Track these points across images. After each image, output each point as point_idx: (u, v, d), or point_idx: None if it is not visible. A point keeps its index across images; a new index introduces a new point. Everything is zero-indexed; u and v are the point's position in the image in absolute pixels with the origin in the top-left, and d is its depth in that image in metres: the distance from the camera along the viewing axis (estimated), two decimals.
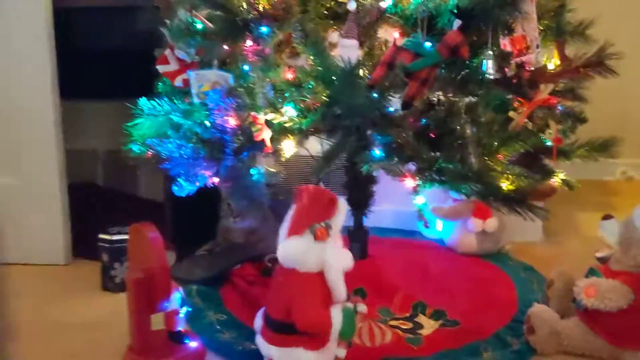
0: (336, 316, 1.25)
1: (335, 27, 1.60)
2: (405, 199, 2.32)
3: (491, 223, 2.11)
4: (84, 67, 2.25)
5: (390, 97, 1.38)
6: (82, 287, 1.92)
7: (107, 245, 1.88)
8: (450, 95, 1.51)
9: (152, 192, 2.52)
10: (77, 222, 2.15)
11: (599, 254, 1.58)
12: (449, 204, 2.18)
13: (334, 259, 1.25)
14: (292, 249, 1.26)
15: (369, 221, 1.97)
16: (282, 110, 1.37)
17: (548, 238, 2.36)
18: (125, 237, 1.85)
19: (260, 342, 1.34)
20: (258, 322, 1.37)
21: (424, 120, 1.52)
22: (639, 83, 3.23)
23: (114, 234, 1.89)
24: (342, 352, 1.30)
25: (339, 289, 1.26)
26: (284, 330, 1.28)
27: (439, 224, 2.23)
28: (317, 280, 1.26)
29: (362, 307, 1.30)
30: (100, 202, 2.32)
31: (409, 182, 1.39)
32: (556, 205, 2.37)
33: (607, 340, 1.50)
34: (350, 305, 1.28)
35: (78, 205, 2.17)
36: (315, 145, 1.68)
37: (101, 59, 2.26)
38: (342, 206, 1.30)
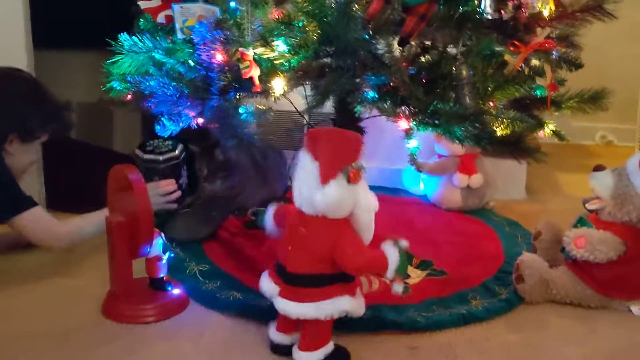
0: (393, 253, 1.18)
1: None
2: (389, 157, 2.30)
3: (476, 179, 2.09)
4: (59, 14, 2.16)
5: (381, 38, 1.33)
6: None
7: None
8: (443, 39, 1.46)
9: (127, 146, 2.44)
10: (50, 175, 2.07)
11: (590, 206, 1.55)
12: (434, 160, 2.15)
13: (367, 200, 1.18)
14: (336, 193, 1.13)
15: None
16: (273, 44, 1.30)
17: (530, 196, 2.35)
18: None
19: (284, 304, 1.21)
20: (267, 285, 1.25)
21: (413, 71, 1.47)
22: (617, 46, 3.22)
23: None
24: (400, 287, 1.23)
25: (370, 231, 1.19)
26: (320, 283, 1.19)
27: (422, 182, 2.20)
28: (347, 225, 1.18)
29: (404, 242, 1.20)
30: (73, 156, 2.22)
31: (403, 124, 1.34)
32: (537, 166, 2.36)
33: (596, 290, 1.50)
34: (394, 241, 1.21)
35: (50, 158, 2.08)
36: (299, 99, 1.62)
37: (76, 4, 2.17)
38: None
